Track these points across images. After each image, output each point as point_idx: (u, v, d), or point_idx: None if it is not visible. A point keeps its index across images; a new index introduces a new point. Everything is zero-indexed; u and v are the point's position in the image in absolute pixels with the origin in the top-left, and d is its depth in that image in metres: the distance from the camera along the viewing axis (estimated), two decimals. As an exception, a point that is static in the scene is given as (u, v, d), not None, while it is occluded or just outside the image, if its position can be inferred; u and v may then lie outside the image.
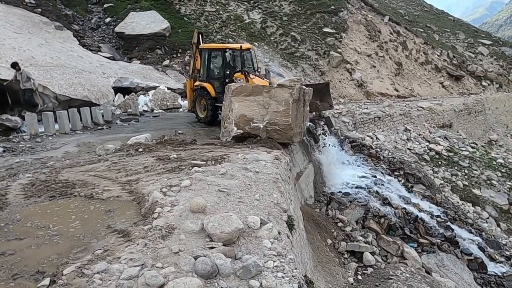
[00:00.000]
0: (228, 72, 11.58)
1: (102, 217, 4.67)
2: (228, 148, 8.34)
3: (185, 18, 27.28)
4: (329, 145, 13.14)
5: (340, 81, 30.08)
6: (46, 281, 3.33)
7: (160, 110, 16.69)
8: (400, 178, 14.04)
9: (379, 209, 10.93)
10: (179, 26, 26.00)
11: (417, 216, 11.65)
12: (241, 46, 11.69)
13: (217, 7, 29.66)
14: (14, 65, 12.65)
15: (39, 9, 23.33)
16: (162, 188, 5.17)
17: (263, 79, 11.16)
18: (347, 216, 10.26)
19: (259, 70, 12.49)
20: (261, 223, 4.32)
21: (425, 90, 34.01)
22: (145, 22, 25.10)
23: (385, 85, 31.94)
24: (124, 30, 24.40)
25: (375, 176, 12.88)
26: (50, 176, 6.43)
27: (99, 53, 21.97)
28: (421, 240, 10.74)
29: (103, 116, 13.97)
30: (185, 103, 16.63)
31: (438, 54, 37.06)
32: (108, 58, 21.47)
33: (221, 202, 4.76)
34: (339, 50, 30.91)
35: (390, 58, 33.86)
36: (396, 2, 49.63)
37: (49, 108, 14.92)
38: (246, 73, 11.07)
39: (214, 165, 6.28)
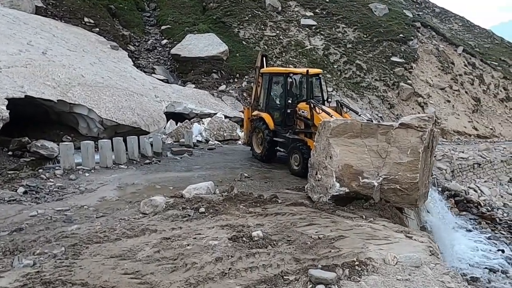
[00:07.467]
0: (290, 101, 9.51)
1: None
2: (331, 216, 5.56)
3: (243, 42, 25.52)
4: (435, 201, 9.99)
5: (411, 116, 26.78)
6: None
7: (216, 142, 14.33)
8: (528, 252, 10.45)
9: (527, 308, 7.55)
10: (237, 50, 24.23)
11: None
12: (307, 71, 9.60)
13: (277, 31, 27.76)
14: None
15: (97, 29, 22.48)
16: None
17: (330, 115, 8.38)
18: (486, 319, 7.01)
19: (329, 100, 10.23)
20: None
21: (507, 130, 29.83)
22: (202, 45, 23.52)
23: (462, 123, 28.31)
24: (180, 52, 22.90)
25: (502, 251, 9.43)
26: (61, 266, 3.80)
27: (153, 75, 20.45)
28: None
29: (152, 146, 11.79)
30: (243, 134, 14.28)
31: (519, 90, 32.69)
32: (162, 80, 19.85)
33: None
34: (409, 81, 27.92)
35: (466, 92, 30.22)
36: (463, 34, 45.65)
37: (94, 134, 13.07)
38: (312, 105, 8.71)
39: (349, 279, 3.41)
